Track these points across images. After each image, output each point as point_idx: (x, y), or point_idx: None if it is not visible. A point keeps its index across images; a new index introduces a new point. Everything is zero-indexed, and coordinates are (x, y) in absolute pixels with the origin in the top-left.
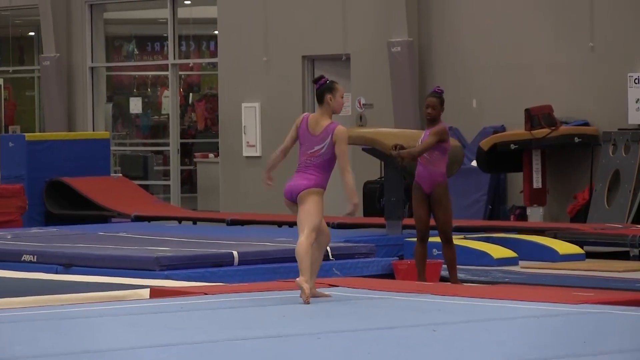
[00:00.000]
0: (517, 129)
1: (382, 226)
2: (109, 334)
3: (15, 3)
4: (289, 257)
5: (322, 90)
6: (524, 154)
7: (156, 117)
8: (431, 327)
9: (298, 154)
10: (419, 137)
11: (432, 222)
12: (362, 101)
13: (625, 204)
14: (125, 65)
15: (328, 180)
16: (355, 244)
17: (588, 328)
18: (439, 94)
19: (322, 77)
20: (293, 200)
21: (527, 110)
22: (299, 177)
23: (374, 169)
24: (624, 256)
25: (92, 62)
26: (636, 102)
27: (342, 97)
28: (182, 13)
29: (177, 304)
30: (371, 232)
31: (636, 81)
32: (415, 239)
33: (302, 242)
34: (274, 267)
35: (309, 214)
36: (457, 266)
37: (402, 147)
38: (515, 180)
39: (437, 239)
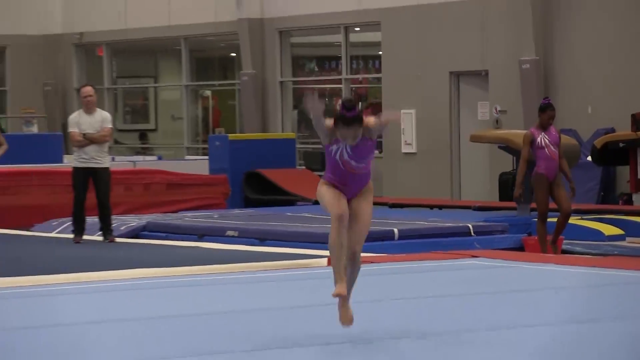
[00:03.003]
0: (625, 131)
1: (513, 209)
2: (297, 293)
3: (220, 30)
4: (439, 234)
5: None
6: (630, 151)
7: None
8: (553, 290)
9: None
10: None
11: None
12: (498, 108)
13: None
14: (308, 80)
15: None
16: (492, 223)
17: None
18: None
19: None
20: None
21: (633, 115)
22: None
23: (507, 163)
24: None
25: (281, 77)
26: None
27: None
28: (353, 38)
29: None
30: (505, 214)
31: None
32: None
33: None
34: (427, 241)
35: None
36: (575, 241)
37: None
38: (623, 172)
39: (552, 220)
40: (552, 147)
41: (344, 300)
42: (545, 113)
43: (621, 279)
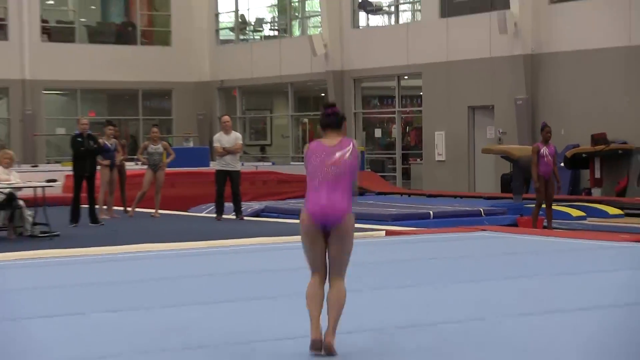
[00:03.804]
0: (586, 146)
1: (511, 198)
2: (364, 251)
3: (314, 78)
4: (461, 215)
5: (341, 118)
6: (590, 159)
7: (388, 139)
8: (539, 253)
9: (311, 176)
10: (533, 151)
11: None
12: (500, 130)
13: None
14: (372, 111)
15: None
16: (497, 207)
17: (626, 254)
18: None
19: (335, 105)
20: (326, 226)
21: (592, 136)
22: (334, 194)
23: (506, 167)
24: None
25: (354, 109)
26: None
27: None
28: (403, 83)
29: (399, 239)
30: (505, 201)
31: None
32: (531, 206)
33: (345, 291)
34: (452, 220)
35: (349, 254)
36: (552, 220)
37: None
38: (585, 174)
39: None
40: (549, 157)
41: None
42: (544, 130)
43: (584, 245)
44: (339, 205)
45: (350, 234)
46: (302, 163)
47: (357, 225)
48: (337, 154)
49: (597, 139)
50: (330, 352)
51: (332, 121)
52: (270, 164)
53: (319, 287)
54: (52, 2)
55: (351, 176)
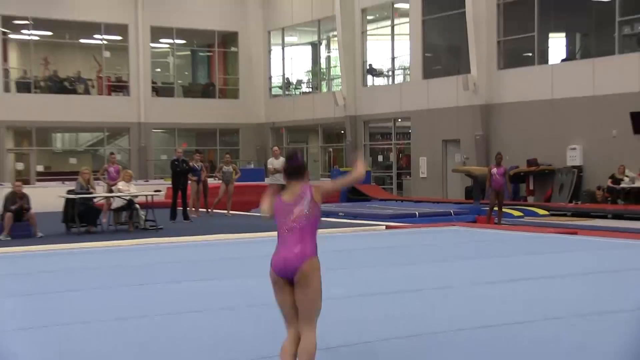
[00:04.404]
0: (523, 167)
1: (471, 203)
2: (370, 239)
3: (337, 121)
4: (437, 214)
5: (302, 167)
6: (526, 176)
7: (387, 162)
8: (493, 241)
9: (278, 231)
10: (487, 171)
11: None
12: (464, 156)
13: (565, 195)
14: (376, 143)
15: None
16: (462, 209)
17: (552, 242)
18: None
19: (296, 154)
20: (288, 276)
21: (527, 160)
22: (291, 244)
23: (469, 181)
24: (564, 215)
25: (364, 142)
26: (569, 157)
27: None
28: (397, 124)
29: (395, 232)
30: (468, 205)
31: (571, 149)
32: (485, 209)
33: (315, 342)
34: (432, 218)
35: (316, 301)
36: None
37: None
38: (523, 186)
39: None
40: (497, 176)
41: None
42: (497, 157)
43: (522, 235)
44: (300, 253)
45: (314, 279)
46: (327, 179)
47: (365, 222)
48: (296, 211)
49: (531, 162)
50: None
51: (293, 172)
52: None
53: (290, 344)
54: (159, 69)
55: (315, 224)
